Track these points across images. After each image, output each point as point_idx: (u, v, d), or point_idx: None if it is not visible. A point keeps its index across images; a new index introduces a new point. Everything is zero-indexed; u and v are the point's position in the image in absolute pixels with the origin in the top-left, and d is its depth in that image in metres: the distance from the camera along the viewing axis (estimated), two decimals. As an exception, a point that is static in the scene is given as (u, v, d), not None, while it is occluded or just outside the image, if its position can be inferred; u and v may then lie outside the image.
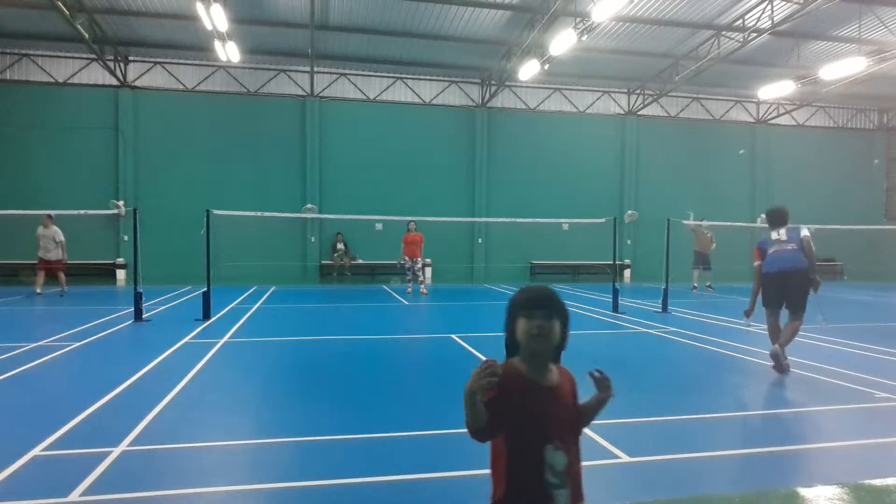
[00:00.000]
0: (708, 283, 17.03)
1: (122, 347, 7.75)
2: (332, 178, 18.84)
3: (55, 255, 13.75)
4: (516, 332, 1.74)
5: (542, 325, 1.71)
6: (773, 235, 6.70)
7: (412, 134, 19.40)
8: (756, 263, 6.77)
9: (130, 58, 17.86)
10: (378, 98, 19.46)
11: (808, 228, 6.63)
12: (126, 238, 17.17)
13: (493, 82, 19.34)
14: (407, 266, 14.92)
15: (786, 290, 6.40)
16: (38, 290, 13.76)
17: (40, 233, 13.74)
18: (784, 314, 6.57)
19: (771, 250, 6.59)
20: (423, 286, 15.12)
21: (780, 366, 6.24)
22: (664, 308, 11.49)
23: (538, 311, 1.72)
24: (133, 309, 9.72)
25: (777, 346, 6.28)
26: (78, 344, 7.64)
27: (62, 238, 13.82)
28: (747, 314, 7.00)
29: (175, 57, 17.94)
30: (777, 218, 6.81)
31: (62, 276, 13.96)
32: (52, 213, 13.90)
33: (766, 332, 6.74)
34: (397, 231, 18.39)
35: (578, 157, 20.52)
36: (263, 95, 18.73)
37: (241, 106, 18.49)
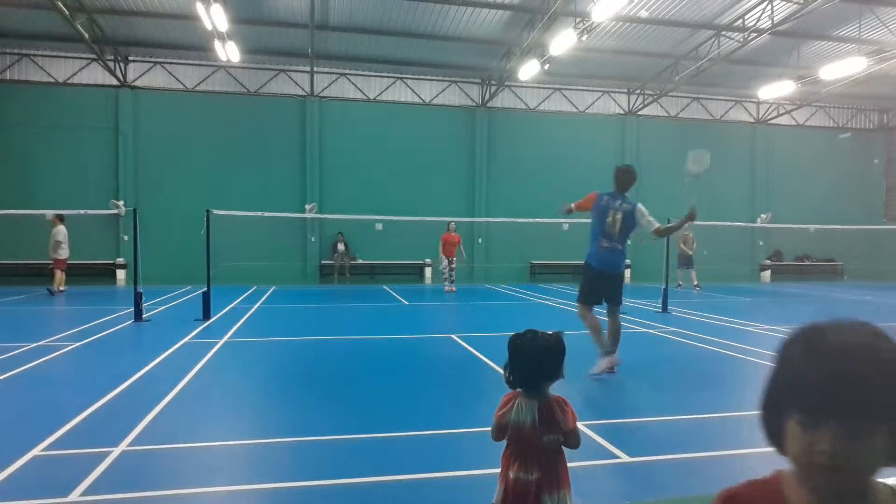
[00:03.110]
0: (696, 283, 17.03)
1: (122, 347, 7.75)
2: (332, 178, 18.84)
3: (55, 254, 13.94)
4: (785, 438, 0.91)
5: (840, 451, 0.84)
6: (614, 204, 6.25)
7: (412, 134, 19.40)
8: (571, 206, 6.63)
9: (130, 58, 17.86)
10: (378, 98, 19.46)
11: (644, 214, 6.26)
12: (126, 238, 17.16)
13: (493, 82, 19.34)
14: (443, 266, 15.50)
15: (606, 288, 6.30)
16: (62, 288, 13.98)
17: (51, 231, 14.11)
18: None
19: (604, 244, 6.22)
20: (452, 285, 15.62)
21: (614, 370, 6.13)
22: (664, 308, 11.50)
23: (836, 419, 0.84)
24: (133, 309, 9.72)
25: (613, 356, 6.12)
26: (78, 344, 7.63)
27: (60, 238, 13.95)
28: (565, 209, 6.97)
29: (175, 57, 17.94)
30: (629, 180, 6.40)
31: (58, 275, 13.99)
32: (51, 212, 13.99)
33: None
34: (397, 231, 18.47)
35: (578, 157, 20.51)
36: (263, 95, 18.72)
37: (241, 106, 18.48)
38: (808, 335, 0.92)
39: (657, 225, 6.19)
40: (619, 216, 6.20)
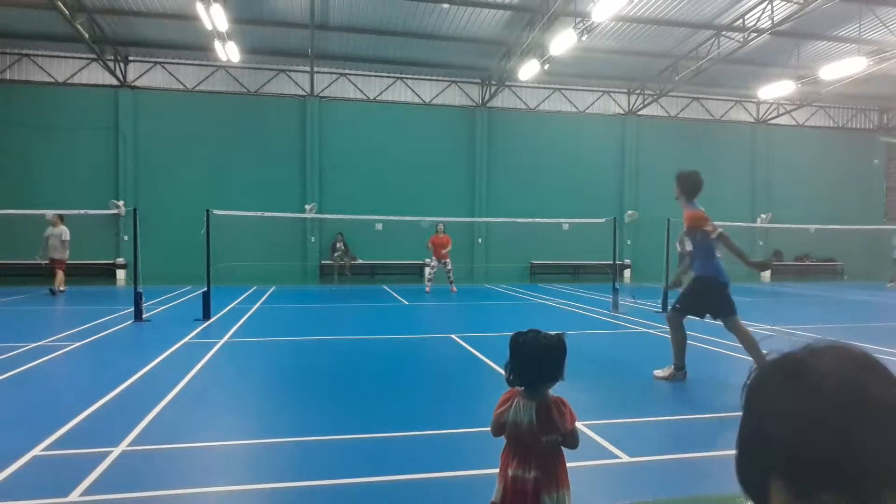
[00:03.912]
0: None
1: (122, 347, 7.74)
2: (332, 178, 18.84)
3: (59, 254, 13.89)
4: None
5: None
6: (702, 208, 5.91)
7: (412, 134, 19.40)
8: (718, 231, 5.90)
9: (130, 58, 17.86)
10: (378, 98, 19.46)
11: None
12: (126, 238, 17.16)
13: (493, 82, 19.34)
14: (432, 265, 15.39)
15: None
16: (56, 288, 13.92)
17: (49, 232, 13.98)
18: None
19: (720, 254, 6.07)
20: (452, 285, 15.60)
21: None
22: (664, 308, 11.48)
23: (835, 488, 0.63)
24: (133, 309, 9.72)
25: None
26: (78, 344, 7.63)
27: (67, 237, 13.96)
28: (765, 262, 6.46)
29: (175, 57, 17.94)
30: (701, 185, 6.05)
31: (61, 275, 14.01)
32: (52, 212, 14.01)
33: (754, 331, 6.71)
34: (397, 231, 18.48)
35: (578, 157, 20.52)
36: (263, 95, 18.72)
37: (241, 106, 18.48)
38: (786, 372, 0.71)
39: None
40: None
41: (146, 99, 17.93)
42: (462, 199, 19.74)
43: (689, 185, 6.05)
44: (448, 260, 15.35)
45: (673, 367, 6.08)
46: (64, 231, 13.99)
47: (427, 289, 15.43)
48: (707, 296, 6.06)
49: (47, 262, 14.00)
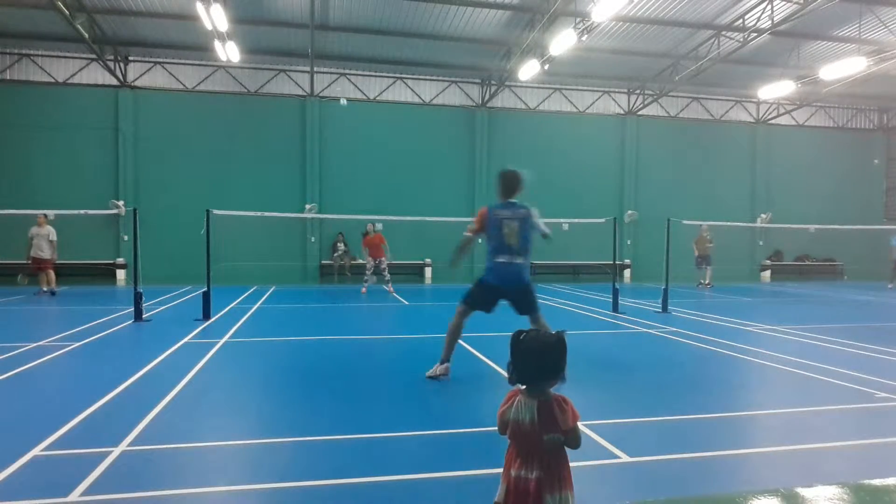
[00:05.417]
0: (707, 282, 17.34)
1: (122, 347, 7.74)
2: (332, 178, 18.85)
3: (48, 253, 13.76)
4: None
5: None
6: (505, 214, 5.92)
7: (412, 134, 19.40)
8: (469, 234, 6.19)
9: (130, 58, 17.87)
10: (378, 98, 19.46)
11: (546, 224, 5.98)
12: (126, 238, 17.17)
13: (493, 82, 19.34)
14: (368, 266, 14.79)
15: (515, 302, 6.18)
16: (55, 287, 13.79)
17: (34, 232, 13.72)
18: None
19: (501, 259, 5.95)
20: (389, 285, 14.92)
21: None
22: (664, 308, 11.49)
23: None
24: (133, 309, 9.72)
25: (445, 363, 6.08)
26: (78, 344, 7.63)
27: (55, 237, 13.84)
28: (453, 263, 6.79)
29: (175, 57, 17.95)
30: (514, 185, 6.02)
31: (52, 274, 13.92)
32: (52, 212, 13.95)
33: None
34: (397, 231, 18.46)
35: (578, 157, 20.52)
36: (263, 95, 18.73)
37: (241, 106, 18.49)
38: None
39: (546, 230, 6.08)
40: (515, 225, 5.92)
41: (146, 99, 17.94)
42: (462, 198, 19.74)
43: (500, 185, 6.12)
44: (383, 258, 14.69)
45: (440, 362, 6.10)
46: (51, 231, 13.83)
47: (363, 290, 14.93)
48: (482, 292, 6.26)
49: (30, 262, 13.78)
